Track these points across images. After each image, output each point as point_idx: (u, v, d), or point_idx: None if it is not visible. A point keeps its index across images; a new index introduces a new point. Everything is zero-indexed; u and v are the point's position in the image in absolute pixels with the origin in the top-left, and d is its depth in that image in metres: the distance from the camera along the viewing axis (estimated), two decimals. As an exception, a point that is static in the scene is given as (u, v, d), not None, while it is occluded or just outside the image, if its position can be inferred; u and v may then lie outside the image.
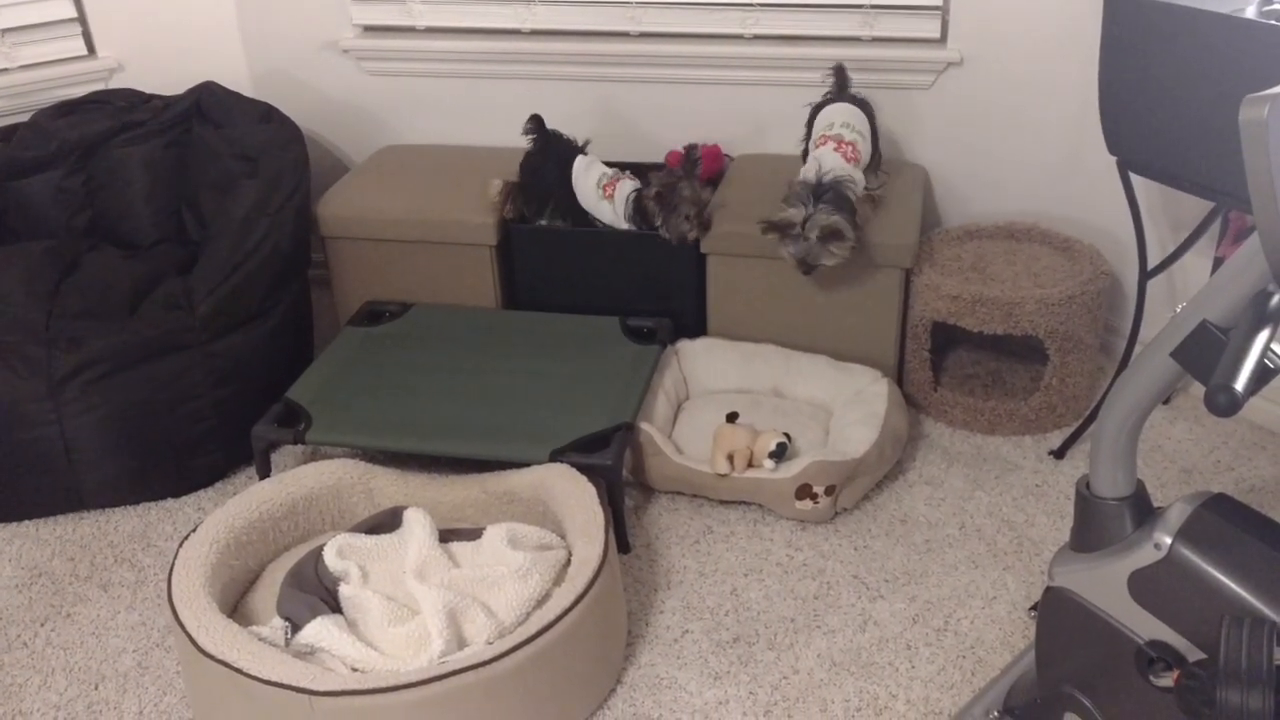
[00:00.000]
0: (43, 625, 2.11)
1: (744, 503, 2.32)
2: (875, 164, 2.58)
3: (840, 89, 2.59)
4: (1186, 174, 1.98)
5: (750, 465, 2.25)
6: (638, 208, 2.54)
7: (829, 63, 2.70)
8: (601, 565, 1.85)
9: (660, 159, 2.83)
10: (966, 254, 2.59)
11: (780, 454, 2.24)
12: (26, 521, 2.39)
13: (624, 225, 2.58)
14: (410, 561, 1.97)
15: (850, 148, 2.43)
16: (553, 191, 2.64)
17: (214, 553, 1.95)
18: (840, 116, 2.49)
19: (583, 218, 2.66)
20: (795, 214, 2.32)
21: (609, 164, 2.81)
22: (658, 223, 2.51)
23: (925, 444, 2.49)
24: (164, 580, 2.20)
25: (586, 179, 2.61)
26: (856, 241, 2.34)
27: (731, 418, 2.38)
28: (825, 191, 2.32)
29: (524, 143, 2.67)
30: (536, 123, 2.65)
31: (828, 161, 2.39)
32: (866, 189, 2.46)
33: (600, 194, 2.59)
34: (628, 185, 2.58)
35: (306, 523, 2.16)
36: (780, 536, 2.23)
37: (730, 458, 2.24)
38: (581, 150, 2.66)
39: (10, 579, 2.23)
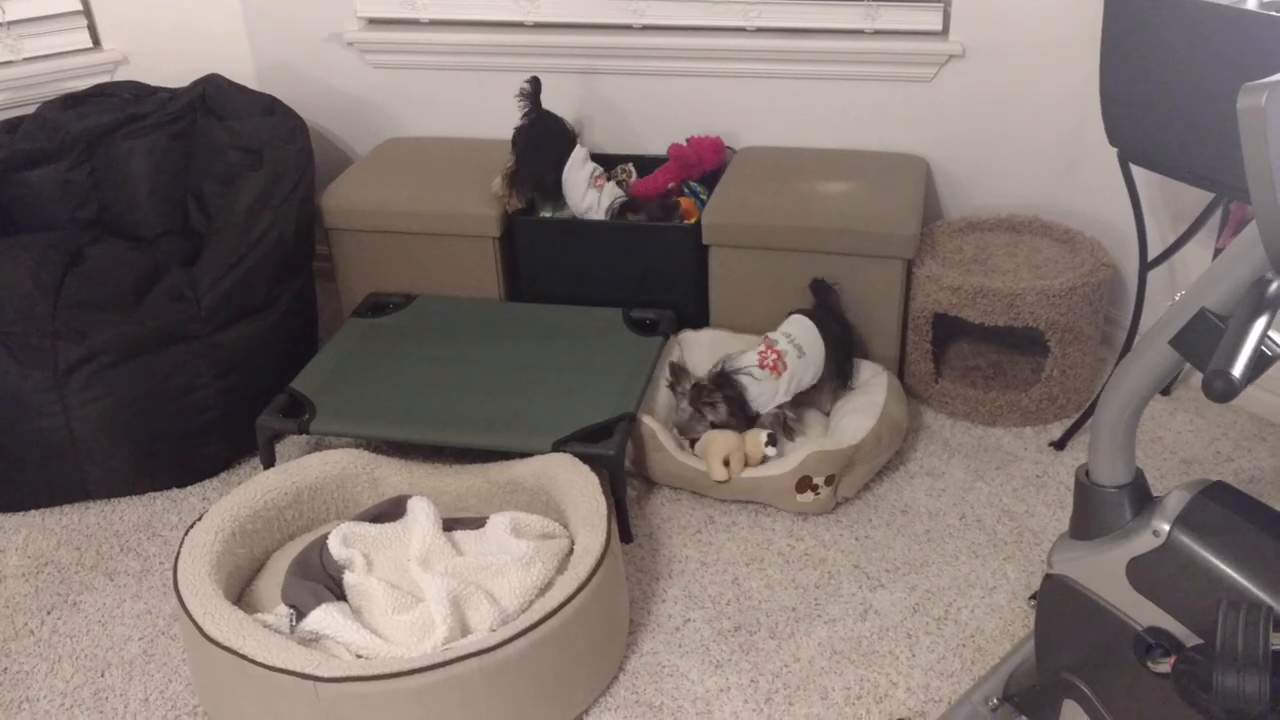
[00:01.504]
0: (49, 613, 2.13)
1: (746, 494, 2.33)
2: (831, 384, 2.44)
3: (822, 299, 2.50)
4: (1187, 165, 1.99)
5: (746, 464, 2.26)
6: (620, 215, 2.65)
7: (832, 55, 2.71)
8: (604, 554, 1.87)
9: (663, 151, 2.84)
10: (968, 246, 2.60)
11: (774, 442, 2.26)
12: (33, 511, 2.40)
13: (601, 216, 2.66)
14: (414, 550, 1.98)
15: (776, 356, 2.35)
16: (543, 175, 2.66)
17: (219, 541, 1.96)
18: (792, 327, 2.41)
19: (561, 202, 2.71)
20: (680, 380, 2.37)
21: (612, 156, 2.88)
22: None
23: (926, 435, 2.50)
24: (169, 569, 2.22)
25: (581, 171, 2.65)
26: (731, 418, 2.30)
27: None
28: (716, 375, 2.33)
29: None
30: (534, 86, 2.66)
31: (741, 359, 2.35)
32: (780, 406, 2.36)
33: (591, 183, 2.65)
34: (612, 189, 2.67)
35: (311, 512, 2.17)
36: (781, 526, 2.24)
37: (726, 461, 2.25)
38: (575, 138, 2.69)
39: (17, 568, 2.24)
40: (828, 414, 2.44)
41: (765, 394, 2.34)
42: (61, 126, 2.70)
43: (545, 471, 2.13)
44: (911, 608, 2.03)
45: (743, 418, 2.32)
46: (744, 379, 2.31)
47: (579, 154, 2.65)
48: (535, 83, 2.66)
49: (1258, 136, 1.11)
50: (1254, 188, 1.14)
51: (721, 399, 2.30)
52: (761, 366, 2.34)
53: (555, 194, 2.69)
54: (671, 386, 2.39)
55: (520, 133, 2.67)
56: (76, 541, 2.31)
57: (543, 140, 2.65)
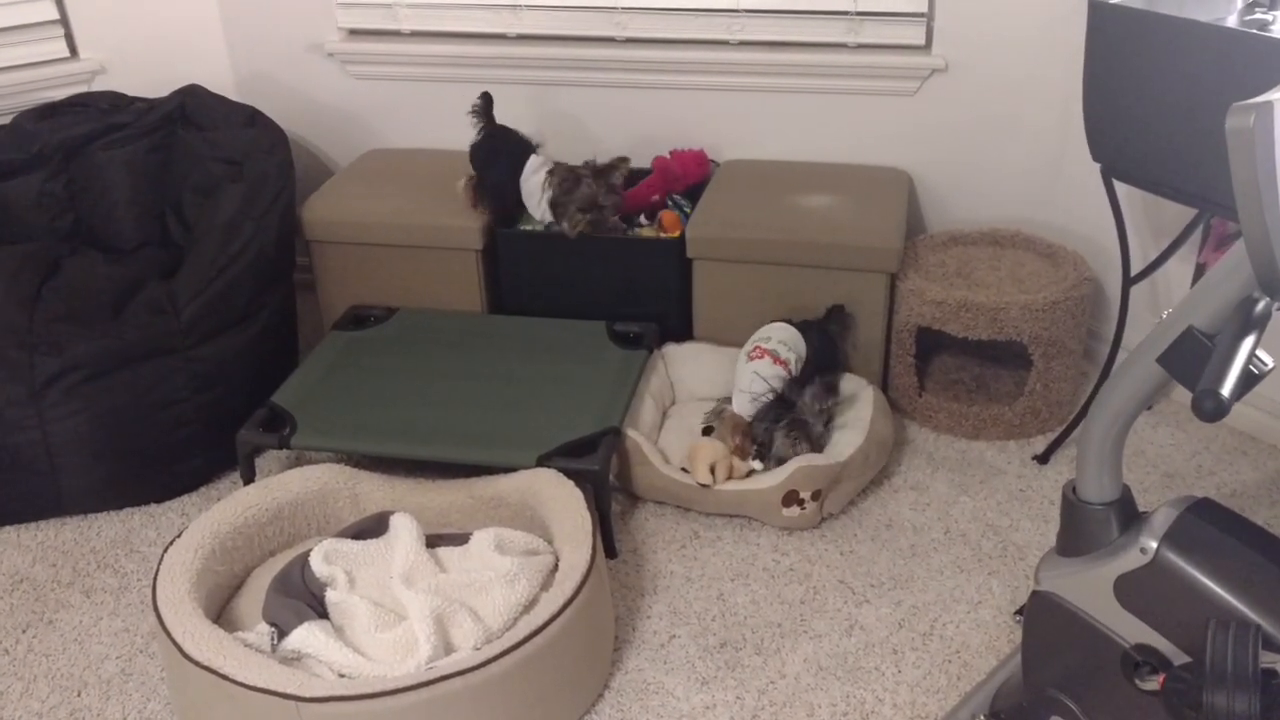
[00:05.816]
0: (24, 632, 2.09)
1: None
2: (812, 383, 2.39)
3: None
4: (1169, 180, 2.00)
5: (730, 476, 2.26)
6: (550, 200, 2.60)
7: (814, 68, 2.72)
8: (589, 570, 1.85)
9: (647, 164, 2.84)
10: (951, 260, 2.60)
11: (761, 456, 2.26)
12: (8, 527, 2.37)
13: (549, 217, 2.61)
14: (397, 567, 1.97)
15: (768, 354, 2.39)
16: (504, 186, 2.65)
17: (199, 558, 1.94)
18: (780, 334, 2.43)
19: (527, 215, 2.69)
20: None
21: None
22: (558, 217, 2.59)
23: (910, 449, 2.51)
24: (147, 586, 2.19)
25: (536, 178, 2.63)
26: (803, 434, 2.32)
27: (706, 432, 2.39)
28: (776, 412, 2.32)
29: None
30: (485, 102, 2.64)
31: (762, 387, 2.35)
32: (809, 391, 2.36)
33: (544, 190, 2.62)
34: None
35: (292, 528, 2.15)
36: (767, 541, 2.23)
37: (712, 468, 2.24)
38: (534, 149, 2.67)
39: (-9, 585, 2.21)
40: (818, 436, 2.43)
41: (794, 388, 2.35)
42: (38, 137, 2.68)
43: (529, 487, 2.11)
44: (897, 623, 2.03)
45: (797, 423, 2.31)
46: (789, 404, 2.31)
47: (534, 162, 2.64)
48: (486, 98, 2.65)
49: (1246, 156, 1.11)
50: (1242, 208, 1.14)
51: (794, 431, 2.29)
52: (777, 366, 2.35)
53: (519, 205, 2.67)
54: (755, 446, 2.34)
55: (475, 149, 2.67)
56: (52, 558, 2.28)
57: (497, 154, 2.64)
